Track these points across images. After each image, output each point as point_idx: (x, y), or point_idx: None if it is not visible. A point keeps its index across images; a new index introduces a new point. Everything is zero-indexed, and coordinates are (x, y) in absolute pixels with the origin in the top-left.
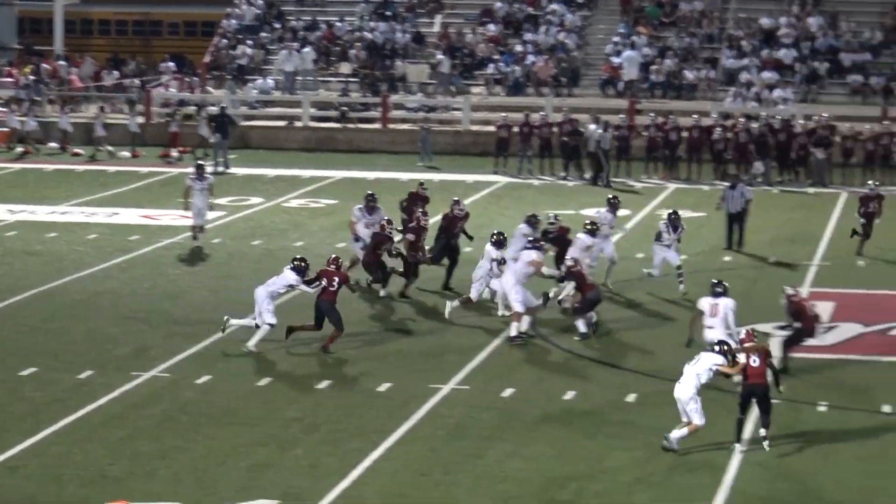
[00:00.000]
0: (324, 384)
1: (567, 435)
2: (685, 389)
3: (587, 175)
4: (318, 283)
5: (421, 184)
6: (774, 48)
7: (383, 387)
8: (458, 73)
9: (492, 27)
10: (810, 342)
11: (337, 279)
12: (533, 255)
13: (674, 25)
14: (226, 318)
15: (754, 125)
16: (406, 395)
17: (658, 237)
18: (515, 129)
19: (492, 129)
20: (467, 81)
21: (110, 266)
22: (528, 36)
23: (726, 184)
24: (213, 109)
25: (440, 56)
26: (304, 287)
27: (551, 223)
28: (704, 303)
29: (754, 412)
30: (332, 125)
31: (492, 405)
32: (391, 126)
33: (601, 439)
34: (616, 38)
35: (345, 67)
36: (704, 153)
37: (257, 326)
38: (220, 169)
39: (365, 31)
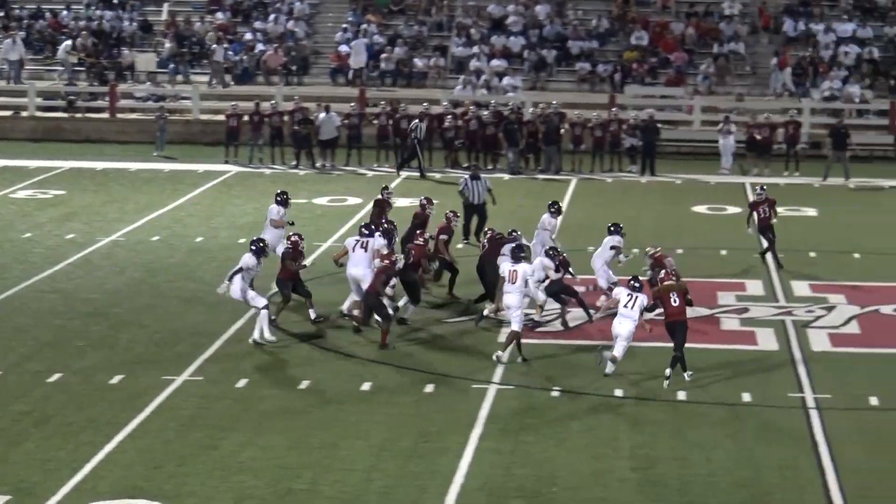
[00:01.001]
0: (54, 377)
1: (302, 424)
2: (625, 327)
3: (318, 164)
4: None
5: (385, 188)
6: (503, 36)
7: (115, 379)
8: (187, 60)
9: (220, 15)
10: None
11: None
12: (381, 241)
13: (403, 13)
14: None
15: (484, 113)
16: (139, 387)
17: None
18: (245, 118)
19: (222, 118)
20: (195, 70)
21: None
22: (258, 24)
23: (467, 174)
24: None
25: (214, 46)
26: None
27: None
28: (504, 269)
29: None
30: (59, 115)
31: (226, 396)
32: (120, 116)
33: (336, 428)
34: (345, 26)
35: (71, 56)
36: (435, 141)
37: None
38: None
39: (91, 20)
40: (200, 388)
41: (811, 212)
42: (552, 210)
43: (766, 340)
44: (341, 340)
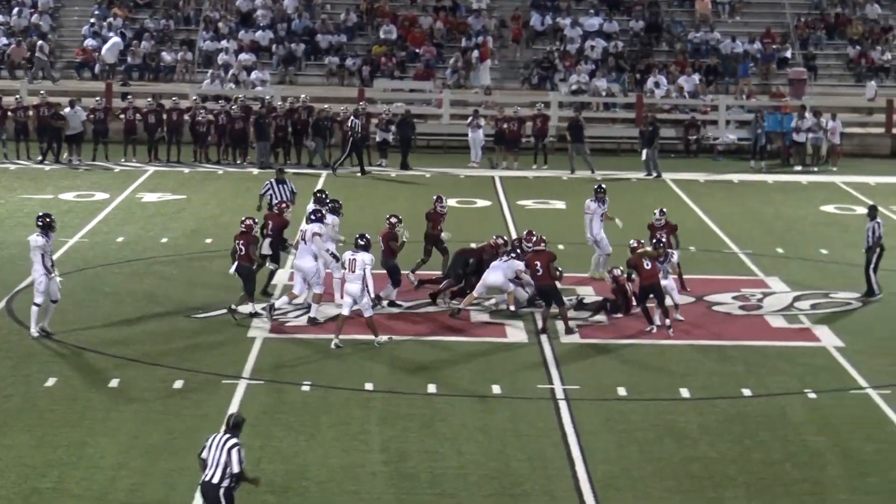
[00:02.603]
0: None
1: (48, 422)
2: None
3: (64, 159)
4: None
5: (438, 198)
6: (251, 30)
7: None
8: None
9: None
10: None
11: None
12: (315, 227)
13: (149, 7)
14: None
15: (234, 108)
16: None
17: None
18: None
19: None
20: None
21: None
22: (1, 18)
23: (272, 179)
24: None
25: (40, 42)
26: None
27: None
28: (346, 257)
29: None
30: None
31: None
32: None
33: (84, 426)
34: (92, 21)
35: None
36: (186, 135)
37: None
38: None
39: None
40: None
41: (560, 205)
42: (598, 194)
43: (516, 333)
44: (89, 337)
